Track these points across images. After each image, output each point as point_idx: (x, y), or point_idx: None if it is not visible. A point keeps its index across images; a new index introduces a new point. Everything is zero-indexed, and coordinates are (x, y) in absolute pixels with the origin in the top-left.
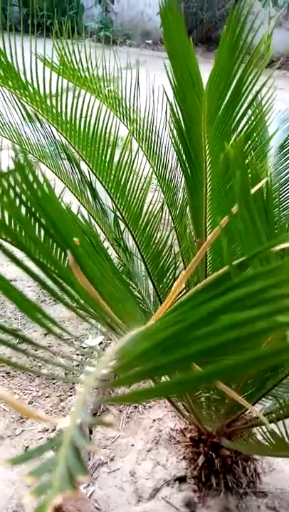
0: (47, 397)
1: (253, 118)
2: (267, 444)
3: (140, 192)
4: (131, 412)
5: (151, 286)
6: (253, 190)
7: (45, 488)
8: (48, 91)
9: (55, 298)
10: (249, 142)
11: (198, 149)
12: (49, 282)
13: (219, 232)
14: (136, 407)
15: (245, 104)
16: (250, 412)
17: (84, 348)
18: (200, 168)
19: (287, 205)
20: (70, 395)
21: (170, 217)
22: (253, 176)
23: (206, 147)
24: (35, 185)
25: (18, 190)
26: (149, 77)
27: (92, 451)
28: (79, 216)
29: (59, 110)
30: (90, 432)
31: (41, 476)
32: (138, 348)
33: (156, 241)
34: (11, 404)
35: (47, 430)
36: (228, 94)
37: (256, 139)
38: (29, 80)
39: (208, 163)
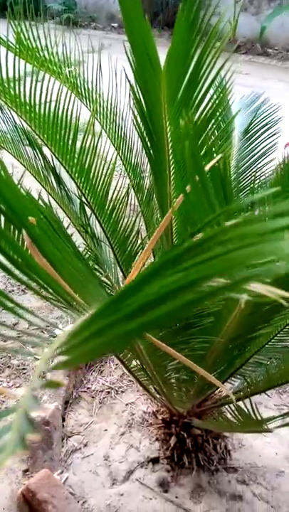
0: (17, 387)
1: (213, 100)
2: (235, 421)
3: (105, 176)
4: (104, 398)
5: (120, 272)
6: (208, 166)
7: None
8: (5, 75)
9: (23, 284)
10: (211, 124)
11: (160, 131)
12: (17, 272)
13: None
14: (108, 393)
15: (205, 86)
16: (219, 392)
17: (55, 337)
18: (162, 150)
19: (250, 190)
20: None
21: (137, 202)
22: (209, 152)
23: (168, 129)
24: None
25: None
26: (112, 60)
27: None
28: (40, 201)
29: (17, 92)
30: (63, 420)
31: None
32: (87, 326)
33: (123, 226)
34: None
35: None
36: (187, 76)
37: (219, 118)
38: None
39: (170, 145)
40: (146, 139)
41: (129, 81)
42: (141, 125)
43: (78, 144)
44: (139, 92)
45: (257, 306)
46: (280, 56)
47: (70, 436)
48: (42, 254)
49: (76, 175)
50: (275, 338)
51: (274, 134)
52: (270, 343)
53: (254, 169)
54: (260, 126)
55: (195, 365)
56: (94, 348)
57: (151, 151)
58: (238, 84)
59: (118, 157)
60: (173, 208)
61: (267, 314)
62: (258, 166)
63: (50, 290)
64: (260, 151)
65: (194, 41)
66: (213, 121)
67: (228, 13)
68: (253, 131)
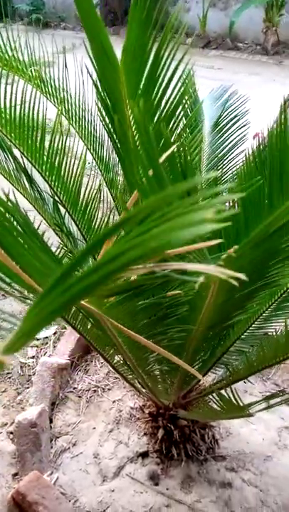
0: (3, 391)
1: (175, 93)
2: (219, 409)
3: (76, 173)
4: (90, 397)
5: None
6: (164, 156)
7: None
8: None
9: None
10: (175, 117)
11: (125, 126)
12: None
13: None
14: (95, 391)
15: (166, 80)
16: (204, 382)
17: (38, 339)
18: (129, 145)
19: (224, 181)
20: (27, 387)
21: (111, 198)
22: (167, 141)
23: (132, 123)
24: None
25: None
26: (83, 59)
27: None
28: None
29: None
30: (51, 421)
31: None
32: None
33: (97, 223)
34: None
35: (5, 424)
36: (146, 71)
37: (182, 112)
38: None
39: (136, 139)
40: (114, 136)
41: (92, 78)
42: (107, 121)
43: (48, 143)
44: (102, 88)
45: (230, 293)
46: (251, 50)
47: (58, 437)
48: (2, 247)
49: (47, 173)
50: (254, 325)
51: (243, 126)
52: (249, 331)
53: (226, 161)
54: (229, 118)
55: (172, 355)
56: (46, 315)
57: (119, 146)
58: (210, 79)
59: (90, 154)
60: (128, 204)
61: (240, 301)
62: (230, 157)
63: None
64: (230, 143)
65: (150, 36)
66: (177, 113)
67: (197, 9)
68: (222, 124)
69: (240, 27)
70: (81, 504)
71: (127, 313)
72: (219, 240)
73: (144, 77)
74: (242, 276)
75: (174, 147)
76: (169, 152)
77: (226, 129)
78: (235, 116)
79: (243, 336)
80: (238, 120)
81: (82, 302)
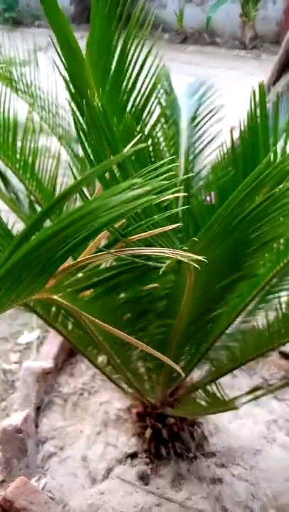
0: None
1: (145, 86)
2: (206, 404)
3: (51, 170)
4: (76, 400)
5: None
6: (127, 148)
7: None
8: None
9: None
10: (147, 109)
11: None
12: None
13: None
14: (81, 394)
15: (134, 73)
16: (191, 379)
17: (20, 344)
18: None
19: (205, 176)
20: (12, 393)
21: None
22: (130, 132)
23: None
24: None
25: None
26: (51, 57)
27: None
28: None
29: None
30: (37, 426)
31: None
32: None
33: None
34: None
35: None
36: (114, 64)
37: (159, 105)
38: None
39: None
40: (83, 128)
41: (60, 72)
42: (78, 114)
43: (21, 142)
44: (71, 82)
45: (207, 286)
46: (228, 45)
47: (45, 442)
48: None
49: (20, 171)
50: (238, 319)
51: (220, 120)
52: (234, 325)
53: (205, 155)
54: (206, 112)
55: (154, 351)
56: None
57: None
58: (188, 74)
59: (66, 151)
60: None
61: (219, 293)
62: (209, 151)
63: None
64: (208, 136)
65: (115, 30)
66: (149, 106)
67: (174, 5)
68: (200, 118)
69: (217, 22)
70: (71, 508)
71: (106, 309)
72: (178, 224)
73: (111, 70)
74: (202, 258)
75: (137, 138)
76: (133, 143)
77: (203, 122)
78: (212, 110)
79: (228, 331)
80: (215, 114)
81: (56, 297)
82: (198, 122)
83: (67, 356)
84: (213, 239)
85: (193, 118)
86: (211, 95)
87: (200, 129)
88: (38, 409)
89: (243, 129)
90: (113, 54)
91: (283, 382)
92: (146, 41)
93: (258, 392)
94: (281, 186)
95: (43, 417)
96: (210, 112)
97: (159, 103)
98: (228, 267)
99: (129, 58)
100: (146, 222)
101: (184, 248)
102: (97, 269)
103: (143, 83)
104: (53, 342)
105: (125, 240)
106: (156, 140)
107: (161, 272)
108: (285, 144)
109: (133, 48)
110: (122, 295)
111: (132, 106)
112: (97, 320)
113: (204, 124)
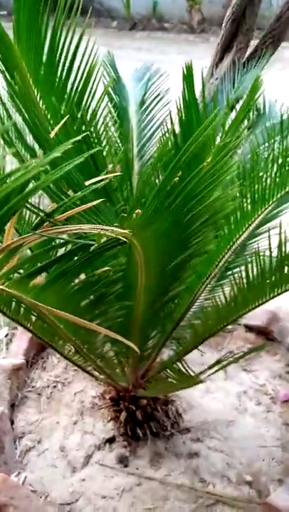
0: None
1: (82, 72)
2: (174, 381)
3: None
4: (51, 393)
5: None
6: (52, 133)
7: None
8: None
9: None
10: (87, 95)
11: (38, 112)
12: None
13: None
14: (55, 387)
15: (69, 59)
16: (160, 360)
17: None
18: (44, 128)
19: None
20: None
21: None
22: (79, 125)
23: (44, 109)
24: None
25: None
26: None
27: None
28: None
29: None
30: (12, 422)
31: None
32: None
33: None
34: None
35: None
36: (45, 51)
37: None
38: None
39: (51, 123)
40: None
41: None
42: (20, 106)
43: None
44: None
45: (159, 266)
46: (177, 29)
47: (21, 437)
48: None
49: None
50: (201, 297)
51: (167, 104)
52: (197, 304)
53: (154, 140)
54: (153, 97)
55: (115, 334)
56: None
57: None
58: (139, 61)
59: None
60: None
61: (173, 272)
62: (158, 136)
63: None
64: (157, 121)
65: (42, 18)
66: (88, 92)
67: None
68: (148, 103)
69: (165, 7)
70: (52, 499)
71: (61, 297)
72: (103, 199)
73: (44, 57)
74: (131, 230)
75: (63, 121)
76: (60, 125)
77: (151, 107)
78: (158, 94)
79: (192, 310)
80: (162, 98)
81: (3, 287)
82: (147, 107)
83: (37, 351)
84: (152, 215)
85: (142, 103)
86: (158, 79)
87: (149, 113)
88: (13, 406)
89: (178, 109)
90: (44, 40)
91: (246, 351)
92: (86, 29)
93: (224, 363)
94: (209, 160)
95: (18, 413)
96: (157, 95)
97: (107, 92)
98: (176, 244)
99: (61, 44)
100: (70, 199)
101: (125, 226)
102: (34, 252)
103: (78, 68)
104: (22, 338)
105: (53, 220)
106: (99, 125)
107: (99, 249)
108: (224, 120)
109: (64, 33)
110: (76, 281)
111: (71, 90)
112: (52, 308)
113: (153, 108)
